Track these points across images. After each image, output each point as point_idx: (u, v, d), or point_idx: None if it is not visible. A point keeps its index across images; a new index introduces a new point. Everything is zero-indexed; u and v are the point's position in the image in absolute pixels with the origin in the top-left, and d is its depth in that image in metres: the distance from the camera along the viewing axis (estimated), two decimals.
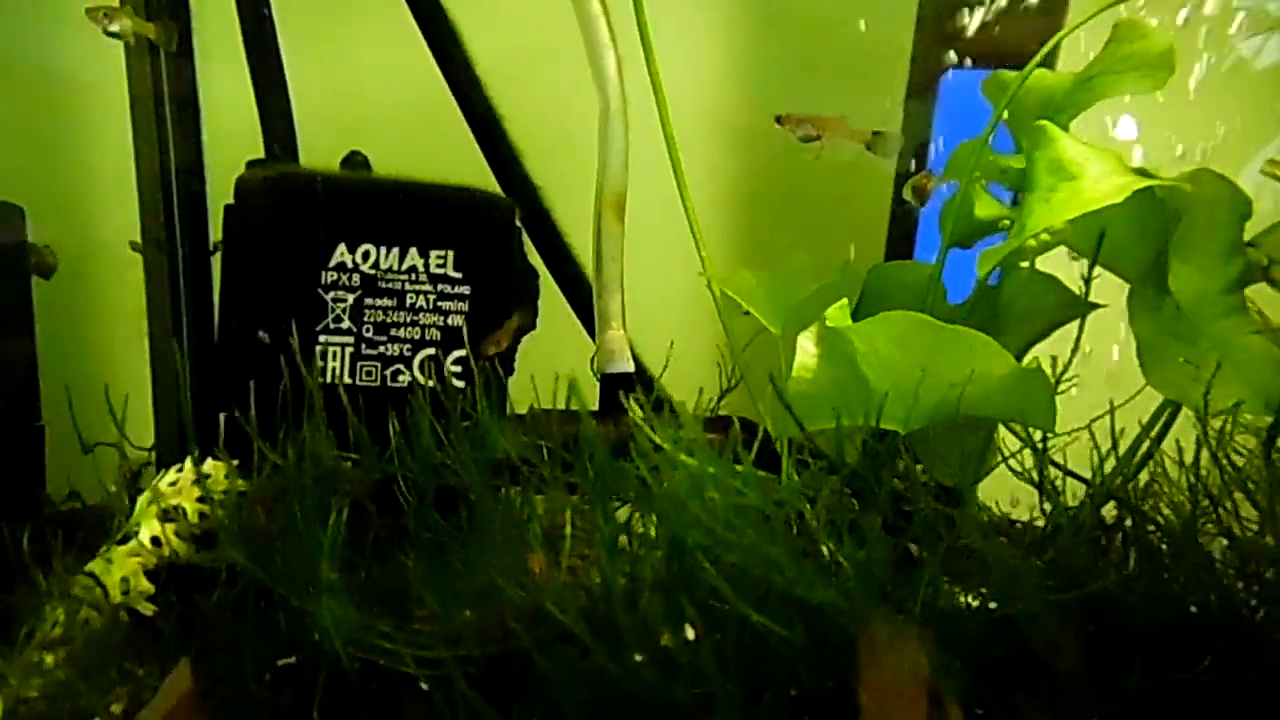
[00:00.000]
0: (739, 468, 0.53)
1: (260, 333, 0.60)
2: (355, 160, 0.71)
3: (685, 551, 0.43)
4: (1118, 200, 0.58)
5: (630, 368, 0.77)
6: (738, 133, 1.12)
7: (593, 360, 0.78)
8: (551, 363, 0.69)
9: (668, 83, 0.75)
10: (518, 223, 0.71)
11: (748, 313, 0.74)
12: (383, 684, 0.48)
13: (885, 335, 0.59)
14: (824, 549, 0.47)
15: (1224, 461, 0.55)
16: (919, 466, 0.63)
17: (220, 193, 0.70)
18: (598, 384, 0.78)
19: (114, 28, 0.78)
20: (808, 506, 0.49)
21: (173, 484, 0.48)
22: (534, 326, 0.76)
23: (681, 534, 0.43)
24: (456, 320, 0.66)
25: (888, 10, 1.02)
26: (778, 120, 0.95)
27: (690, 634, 0.42)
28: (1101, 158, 0.61)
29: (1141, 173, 0.60)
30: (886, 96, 0.99)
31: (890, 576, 0.47)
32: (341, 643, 0.42)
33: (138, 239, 0.79)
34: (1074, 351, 0.63)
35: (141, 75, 0.77)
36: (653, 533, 0.51)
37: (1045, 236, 0.65)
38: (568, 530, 0.52)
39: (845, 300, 0.61)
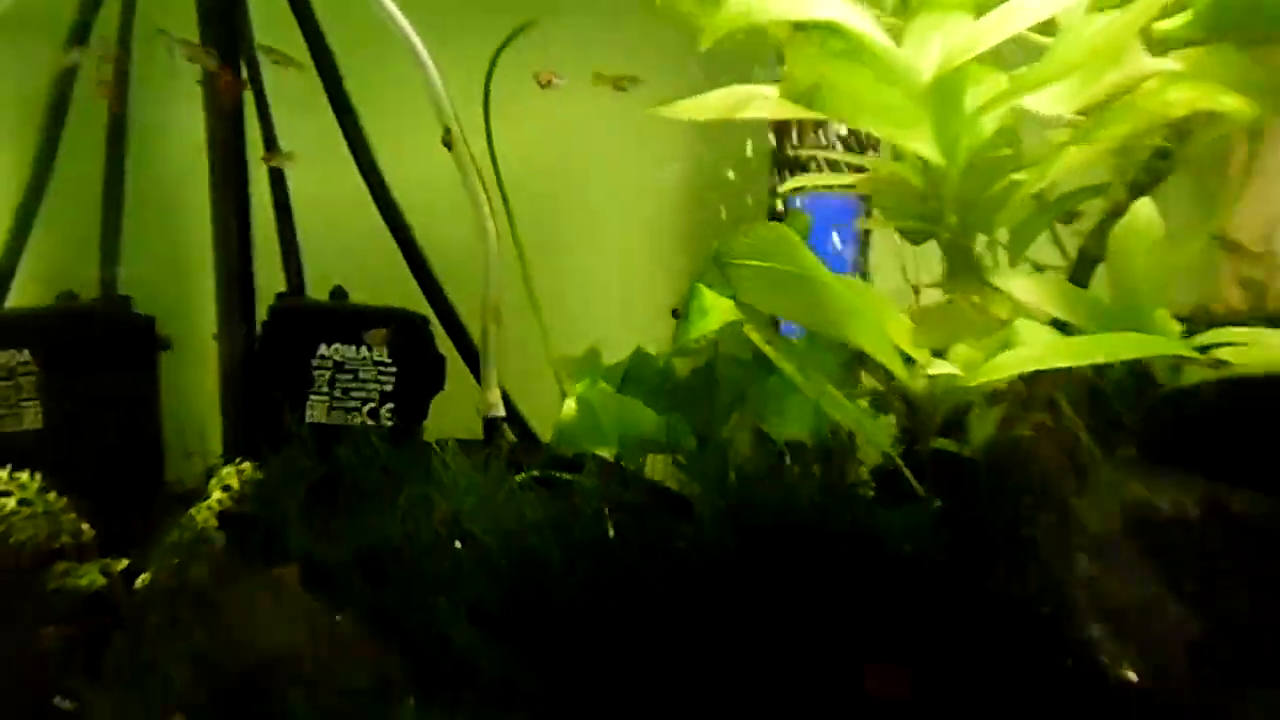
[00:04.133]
0: (519, 477, 1.01)
1: (276, 393, 1.12)
2: (336, 292, 1.23)
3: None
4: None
5: (502, 414, 1.27)
6: None
7: (478, 408, 1.28)
8: (455, 406, 1.19)
9: None
10: (428, 329, 1.21)
11: None
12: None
13: (602, 400, 1.07)
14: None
15: None
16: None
17: None
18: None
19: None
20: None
21: (226, 473, 0.99)
22: (442, 388, 1.26)
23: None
24: (388, 387, 1.17)
25: None
26: None
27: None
28: None
29: None
30: None
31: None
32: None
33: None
34: None
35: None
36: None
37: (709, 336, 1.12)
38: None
39: (589, 379, 1.09)
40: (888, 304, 0.81)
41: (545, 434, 1.32)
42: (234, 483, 1.00)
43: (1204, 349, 0.81)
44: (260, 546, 0.93)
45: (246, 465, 1.02)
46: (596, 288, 1.53)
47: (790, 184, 1.01)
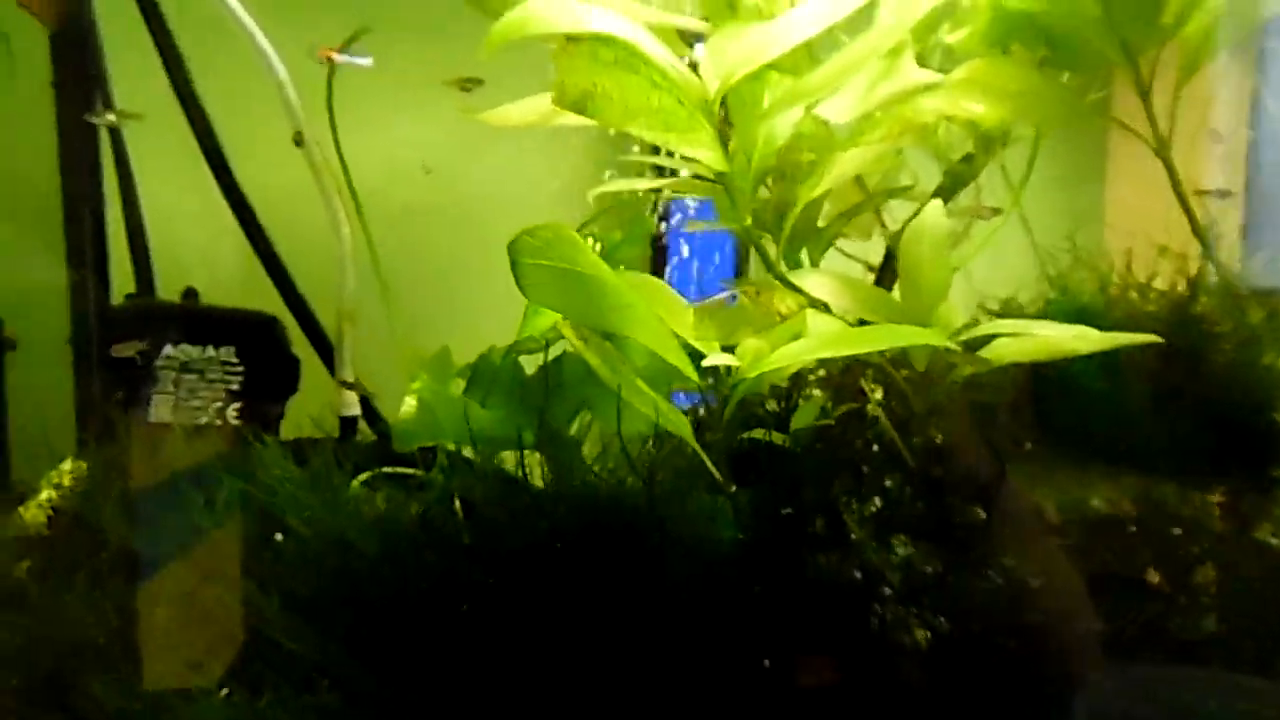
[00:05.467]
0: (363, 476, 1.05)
1: (117, 394, 1.13)
2: (189, 292, 1.24)
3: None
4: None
5: (357, 412, 1.29)
6: None
7: (333, 407, 1.30)
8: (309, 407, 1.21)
9: None
10: (280, 330, 1.23)
11: None
12: None
13: (438, 399, 1.10)
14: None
15: None
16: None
17: None
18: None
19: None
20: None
21: (55, 472, 1.00)
22: (295, 389, 1.28)
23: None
24: (235, 387, 1.19)
25: None
26: None
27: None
28: None
29: None
30: None
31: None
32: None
33: None
34: None
35: None
36: None
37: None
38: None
39: (430, 378, 1.12)
40: (676, 303, 0.86)
41: None
42: (65, 480, 1.02)
43: (977, 342, 0.87)
44: (84, 543, 0.95)
45: (80, 464, 1.03)
46: (467, 288, 1.56)
47: (604, 188, 1.05)
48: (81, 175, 1.24)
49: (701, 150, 0.81)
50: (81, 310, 1.25)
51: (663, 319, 0.81)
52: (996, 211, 1.04)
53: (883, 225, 1.15)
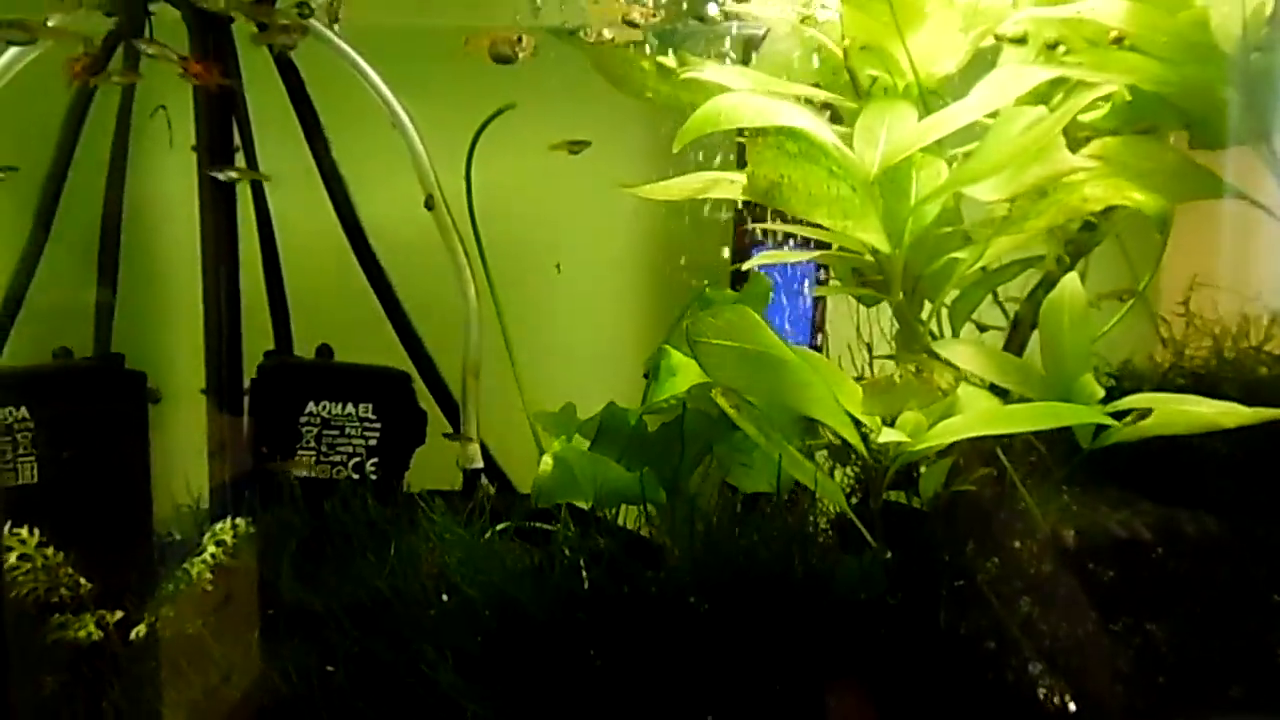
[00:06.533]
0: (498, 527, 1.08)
1: (263, 448, 1.17)
2: (323, 350, 1.29)
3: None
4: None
5: (480, 465, 1.33)
6: None
7: (458, 461, 1.34)
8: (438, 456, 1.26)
9: None
10: (410, 385, 1.28)
11: None
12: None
13: (576, 458, 1.14)
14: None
15: None
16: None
17: None
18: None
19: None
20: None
21: (220, 529, 1.04)
22: (423, 441, 1.32)
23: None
24: (373, 442, 1.23)
25: None
26: None
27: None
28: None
29: None
30: None
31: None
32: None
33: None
34: None
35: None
36: None
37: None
38: None
39: (564, 437, 1.16)
40: (840, 376, 0.89)
41: (523, 485, 1.39)
42: (228, 537, 1.06)
43: (1119, 415, 0.90)
44: (255, 598, 0.99)
45: (240, 521, 1.07)
46: (570, 345, 1.60)
47: (755, 260, 1.09)
48: (219, 236, 1.29)
49: (870, 234, 0.85)
50: (217, 364, 1.30)
51: (834, 395, 0.85)
52: (1134, 293, 1.07)
53: (1003, 310, 1.19)
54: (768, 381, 0.82)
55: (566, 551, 1.11)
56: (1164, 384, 1.16)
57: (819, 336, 1.52)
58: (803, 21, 1.14)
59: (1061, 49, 1.09)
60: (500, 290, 1.31)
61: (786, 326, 1.47)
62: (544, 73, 1.33)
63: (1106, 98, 1.02)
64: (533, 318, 1.58)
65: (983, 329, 1.20)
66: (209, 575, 1.02)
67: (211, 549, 1.04)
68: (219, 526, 1.06)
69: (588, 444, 1.24)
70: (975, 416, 0.85)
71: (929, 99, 1.09)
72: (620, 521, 1.21)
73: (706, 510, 1.17)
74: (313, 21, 1.28)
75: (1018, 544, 1.05)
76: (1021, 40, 1.11)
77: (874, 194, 0.87)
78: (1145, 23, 0.92)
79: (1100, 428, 0.90)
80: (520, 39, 1.25)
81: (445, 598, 0.95)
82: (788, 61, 1.20)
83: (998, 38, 1.08)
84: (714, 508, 1.18)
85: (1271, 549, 0.99)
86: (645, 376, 1.31)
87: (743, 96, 0.81)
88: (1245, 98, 0.96)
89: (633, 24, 1.23)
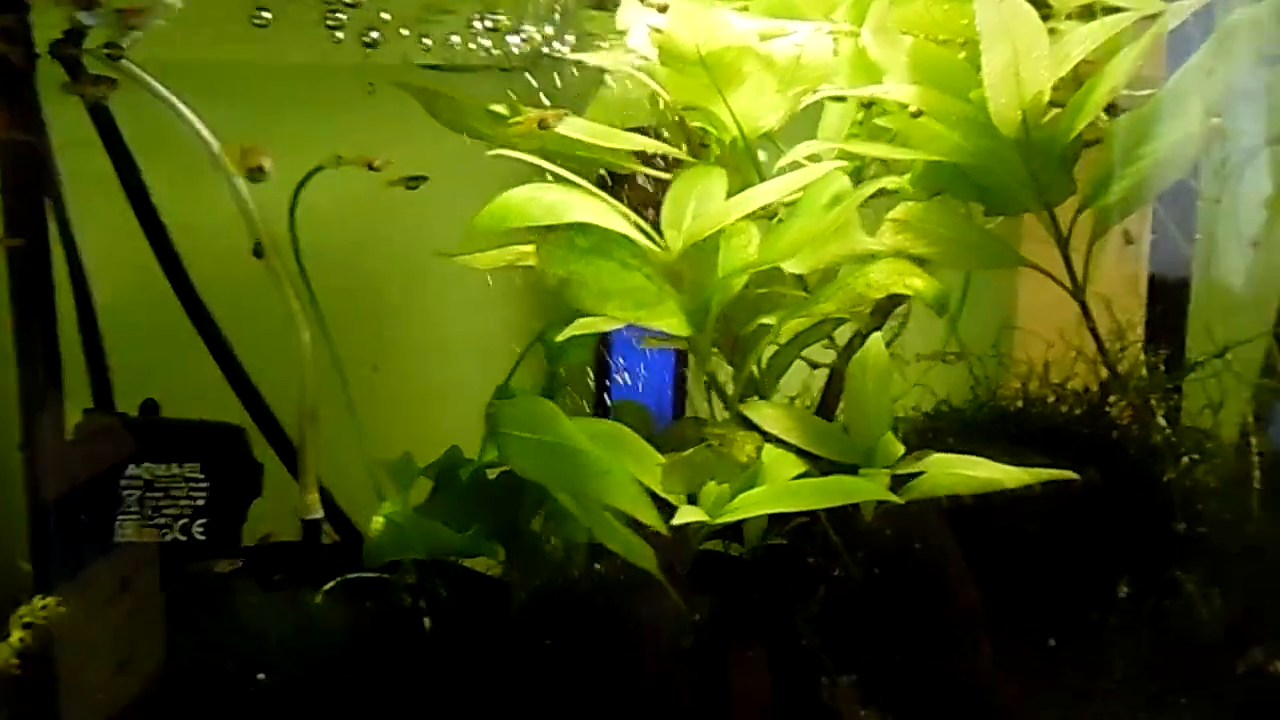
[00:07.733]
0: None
1: (82, 516, 1.13)
2: (148, 405, 1.25)
3: None
4: None
5: (320, 515, 1.32)
6: None
7: (296, 510, 1.32)
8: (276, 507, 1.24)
9: None
10: (244, 438, 1.25)
11: None
12: None
13: (407, 520, 1.15)
14: None
15: None
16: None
17: None
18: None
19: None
20: None
21: (25, 611, 1.01)
22: (259, 494, 1.30)
23: None
24: (201, 502, 1.20)
25: None
26: None
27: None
28: None
29: None
30: None
31: None
32: None
33: None
34: None
35: None
36: None
37: None
38: None
39: (397, 497, 1.16)
40: (646, 453, 0.92)
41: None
42: (36, 619, 1.02)
43: (907, 477, 0.96)
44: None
45: (49, 600, 1.04)
46: (431, 382, 1.59)
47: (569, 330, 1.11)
48: (30, 288, 1.23)
49: (667, 320, 0.87)
50: (35, 423, 1.24)
51: (635, 478, 0.87)
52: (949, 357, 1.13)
53: (830, 339, 1.24)
54: (566, 473, 0.84)
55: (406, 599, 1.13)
56: (972, 423, 1.24)
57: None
58: (639, 70, 1.15)
59: (875, 107, 1.14)
60: (357, 330, 1.30)
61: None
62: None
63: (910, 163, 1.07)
64: (392, 357, 1.57)
65: (815, 366, 1.25)
66: (15, 661, 0.99)
67: (18, 633, 1.01)
68: (23, 609, 1.02)
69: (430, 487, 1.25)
70: (769, 493, 0.89)
71: (755, 149, 1.12)
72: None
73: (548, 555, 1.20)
74: (125, 63, 1.22)
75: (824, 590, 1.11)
76: (840, 99, 1.15)
77: (676, 277, 0.89)
78: (937, 105, 0.96)
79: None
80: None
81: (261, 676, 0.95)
82: (625, 104, 1.21)
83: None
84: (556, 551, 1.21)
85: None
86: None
87: (534, 190, 0.81)
88: (1028, 169, 1.01)
89: None
